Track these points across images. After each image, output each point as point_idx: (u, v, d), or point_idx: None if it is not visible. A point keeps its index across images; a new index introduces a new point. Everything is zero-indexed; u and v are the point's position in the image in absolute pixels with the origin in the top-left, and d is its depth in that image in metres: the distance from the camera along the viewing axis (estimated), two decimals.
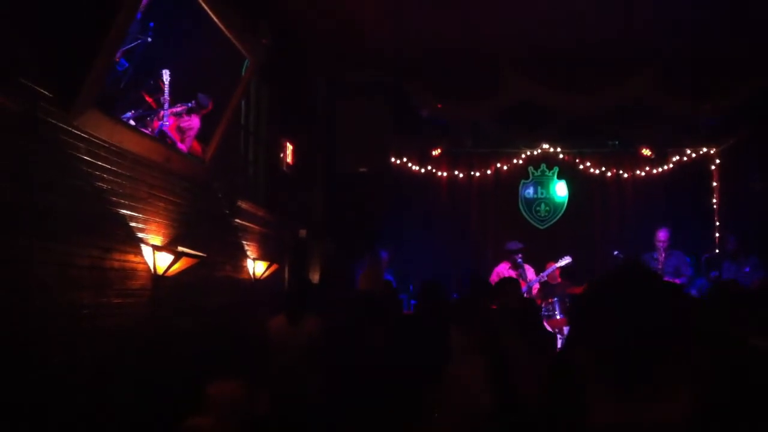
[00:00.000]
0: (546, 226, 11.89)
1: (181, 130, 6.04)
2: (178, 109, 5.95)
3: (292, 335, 5.91)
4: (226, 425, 3.61)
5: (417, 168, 11.81)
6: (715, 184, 11.61)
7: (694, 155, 11.66)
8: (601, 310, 1.51)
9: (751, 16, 7.44)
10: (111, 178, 4.49)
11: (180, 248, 5.11)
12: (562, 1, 7.31)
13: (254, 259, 7.13)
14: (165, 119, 5.69)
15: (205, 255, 5.46)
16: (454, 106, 9.58)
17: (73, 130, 4.06)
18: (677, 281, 8.77)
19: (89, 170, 4.26)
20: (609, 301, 1.50)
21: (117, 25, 4.12)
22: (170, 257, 4.83)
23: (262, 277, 7.14)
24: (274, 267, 7.30)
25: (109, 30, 4.06)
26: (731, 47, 8.31)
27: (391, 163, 11.60)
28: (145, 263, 4.85)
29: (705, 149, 11.57)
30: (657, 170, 11.73)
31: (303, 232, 8.94)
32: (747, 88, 8.92)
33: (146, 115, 5.74)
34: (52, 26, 3.86)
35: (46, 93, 3.82)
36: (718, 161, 11.55)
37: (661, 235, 9.40)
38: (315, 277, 9.29)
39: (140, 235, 4.85)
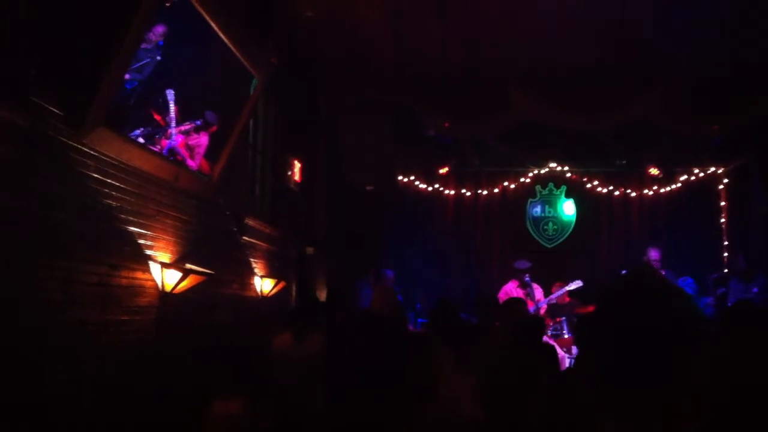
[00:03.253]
0: (554, 245, 11.87)
1: (189, 148, 6.07)
2: (186, 127, 5.98)
3: (297, 352, 5.89)
4: None
5: (424, 186, 11.83)
6: (723, 203, 11.57)
7: (701, 175, 11.63)
8: (607, 326, 1.50)
9: (756, 34, 7.43)
10: (119, 195, 4.51)
11: (188, 265, 5.11)
12: (567, 21, 7.32)
13: (261, 277, 7.13)
14: (173, 137, 5.72)
15: (213, 272, 5.46)
16: (460, 125, 9.59)
17: (82, 148, 4.08)
18: None
19: (98, 187, 4.28)
20: (616, 316, 1.49)
21: (126, 44, 4.16)
22: (178, 274, 4.84)
23: (269, 295, 7.14)
24: (281, 285, 7.30)
25: (119, 49, 4.10)
26: (738, 67, 8.30)
27: (398, 181, 11.63)
28: (153, 280, 4.85)
29: (713, 169, 11.54)
30: (664, 189, 11.72)
31: (310, 250, 8.94)
32: (756, 108, 8.89)
33: (155, 133, 5.78)
34: (62, 44, 3.89)
35: (56, 111, 3.84)
36: (726, 181, 11.52)
37: (653, 254, 9.38)
38: (321, 295, 9.28)
39: (148, 252, 4.86)
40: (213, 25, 5.37)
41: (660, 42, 7.78)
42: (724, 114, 9.15)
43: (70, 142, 3.99)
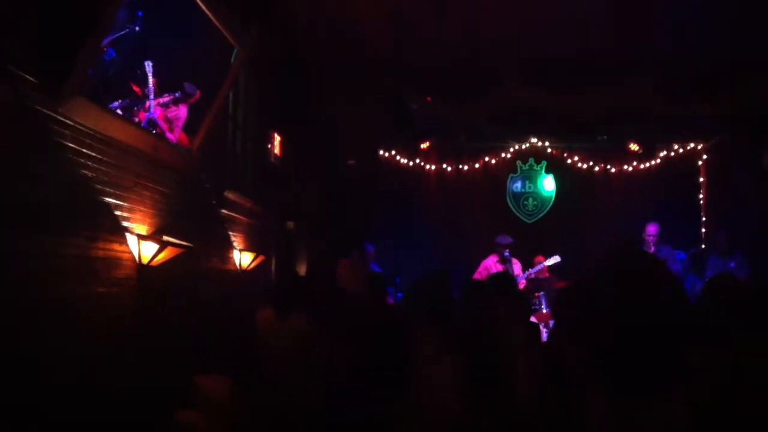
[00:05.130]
0: (533, 220, 11.93)
1: (168, 120, 6.01)
2: (165, 99, 5.93)
3: (280, 329, 5.87)
4: (213, 419, 3.59)
5: (405, 161, 11.82)
6: (702, 179, 11.66)
7: (681, 150, 11.71)
8: (599, 307, 1.46)
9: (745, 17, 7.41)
10: (97, 166, 4.45)
11: (165, 238, 5.07)
12: (558, 7, 7.26)
13: (241, 250, 7.10)
14: (152, 109, 5.66)
15: (191, 245, 5.43)
16: (448, 105, 9.56)
17: (58, 117, 4.01)
18: None
19: (75, 158, 4.21)
20: (606, 298, 1.45)
21: (105, 11, 4.08)
22: (155, 246, 4.80)
23: (248, 269, 7.12)
24: (260, 258, 7.27)
25: (97, 16, 4.02)
26: (730, 49, 8.25)
27: (379, 156, 11.62)
28: (130, 252, 4.81)
29: (692, 145, 11.62)
30: (645, 165, 11.78)
31: (290, 225, 8.91)
32: (748, 90, 8.88)
33: (133, 105, 5.72)
34: (39, 12, 3.81)
35: (32, 80, 3.77)
36: (705, 157, 11.60)
37: (651, 229, 9.41)
38: (302, 270, 9.27)
39: (125, 224, 4.81)
40: None
41: (652, 24, 7.72)
42: (717, 96, 9.16)
43: (46, 111, 3.91)
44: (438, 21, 7.56)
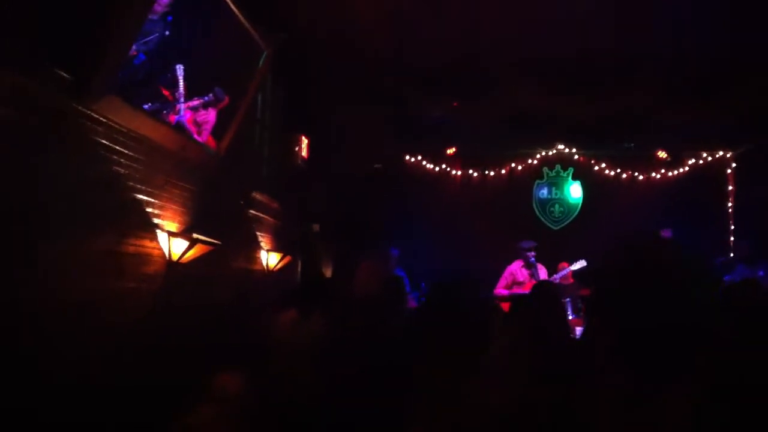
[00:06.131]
0: (560, 227, 11.87)
1: (197, 124, 6.09)
2: (195, 102, 6.00)
3: (299, 331, 5.91)
4: (230, 415, 3.63)
5: (431, 166, 11.84)
6: (730, 188, 11.55)
7: (710, 159, 11.61)
8: (632, 296, 1.50)
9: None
10: (129, 163, 4.54)
11: (195, 235, 5.14)
12: (567, 9, 7.23)
13: (268, 251, 7.17)
14: (182, 113, 5.74)
15: (219, 242, 5.49)
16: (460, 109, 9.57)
17: (92, 114, 4.11)
18: None
19: (108, 155, 4.31)
20: (641, 288, 1.48)
21: (135, 6, 4.16)
22: (185, 243, 4.87)
23: (275, 269, 7.18)
24: (287, 259, 7.34)
25: (128, 12, 4.11)
26: (739, 52, 8.16)
27: (405, 161, 11.65)
28: (160, 249, 4.89)
29: (721, 153, 11.52)
30: (672, 173, 11.69)
31: (316, 227, 8.97)
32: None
33: (163, 108, 5.79)
34: (72, 10, 3.90)
35: (67, 76, 3.86)
36: (734, 165, 11.50)
37: (665, 234, 9.33)
38: (327, 272, 9.32)
39: (156, 221, 4.89)
40: None
41: (661, 27, 7.67)
42: (728, 100, 9.08)
43: (80, 108, 4.01)
44: (444, 22, 7.55)
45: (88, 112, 4.07)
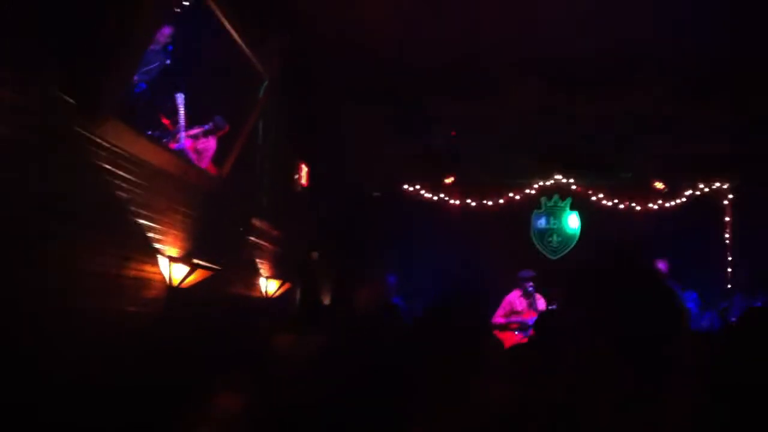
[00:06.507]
0: (558, 256, 11.87)
1: (197, 152, 6.13)
2: (195, 131, 6.04)
3: (297, 350, 5.89)
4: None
5: (429, 195, 11.88)
6: (727, 218, 11.58)
7: (706, 189, 11.65)
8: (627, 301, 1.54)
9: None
10: (130, 187, 4.57)
11: (195, 261, 5.15)
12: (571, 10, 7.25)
13: (267, 278, 7.17)
14: (182, 141, 5.78)
15: (219, 268, 5.50)
16: (464, 107, 9.51)
17: (95, 138, 4.14)
18: None
19: (109, 179, 4.33)
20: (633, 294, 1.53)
21: (139, 31, 4.22)
22: (186, 269, 4.88)
23: (274, 295, 7.18)
24: (286, 286, 7.34)
25: (131, 38, 4.17)
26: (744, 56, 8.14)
27: (404, 190, 11.69)
28: (161, 274, 4.89)
29: (718, 184, 11.57)
30: (670, 203, 11.72)
31: (315, 255, 8.98)
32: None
33: (163, 136, 5.82)
34: (76, 36, 3.95)
35: (70, 101, 3.90)
36: (730, 196, 11.54)
37: (660, 266, 9.36)
38: (326, 299, 9.31)
39: (157, 245, 4.90)
40: (225, 23, 5.43)
41: (665, 29, 7.66)
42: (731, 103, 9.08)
43: (83, 132, 4.05)
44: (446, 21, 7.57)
45: (91, 135, 4.10)
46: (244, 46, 5.85)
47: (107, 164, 4.29)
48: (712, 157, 10.55)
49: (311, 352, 5.65)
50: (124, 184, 4.49)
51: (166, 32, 5.52)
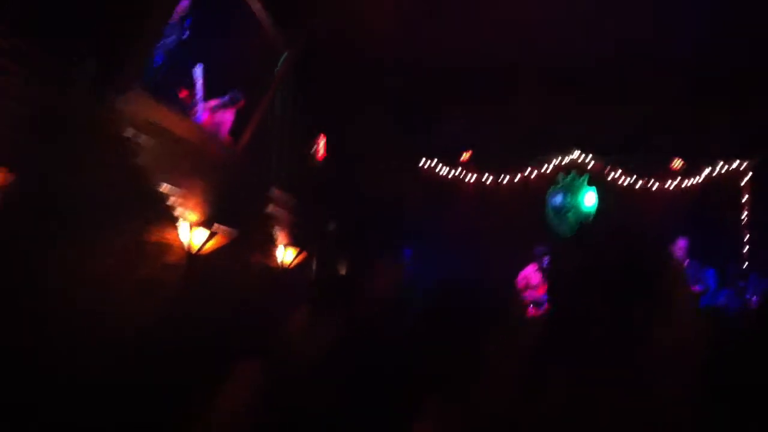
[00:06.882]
0: (573, 233, 11.86)
1: (215, 124, 6.18)
2: (213, 103, 6.09)
3: (314, 327, 5.96)
4: (246, 399, 3.72)
5: (446, 171, 11.89)
6: (745, 198, 11.50)
7: (725, 168, 11.57)
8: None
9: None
10: (152, 155, 4.63)
11: (214, 227, 5.22)
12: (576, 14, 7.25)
13: (285, 246, 7.25)
14: (200, 114, 5.82)
15: (237, 233, 5.56)
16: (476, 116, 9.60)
17: (117, 107, 4.22)
18: (696, 289, 8.84)
19: (131, 147, 4.40)
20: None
21: (162, 5, 4.27)
22: (205, 234, 4.96)
23: (291, 265, 7.26)
24: (303, 255, 7.42)
25: (154, 8, 4.21)
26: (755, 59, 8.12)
27: (421, 166, 11.72)
28: (180, 239, 4.98)
29: (737, 162, 11.49)
30: (687, 182, 11.66)
31: (333, 225, 9.05)
32: None
33: (181, 109, 5.87)
34: (100, 7, 4.00)
35: (94, 71, 3.97)
36: (750, 175, 11.46)
37: (681, 243, 9.35)
38: (341, 271, 9.38)
39: (177, 212, 4.98)
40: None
41: (677, 33, 7.65)
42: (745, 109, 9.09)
43: (107, 101, 4.11)
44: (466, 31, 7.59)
45: (113, 104, 4.17)
46: (262, 18, 5.86)
47: (129, 132, 4.36)
48: (732, 136, 10.50)
49: (330, 334, 5.73)
50: (145, 152, 4.56)
51: (183, 5, 5.54)
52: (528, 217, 11.80)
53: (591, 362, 3.13)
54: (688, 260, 9.20)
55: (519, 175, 11.92)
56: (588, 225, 11.67)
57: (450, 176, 11.93)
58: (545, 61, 8.20)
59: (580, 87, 9.02)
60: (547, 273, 9.26)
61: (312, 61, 7.94)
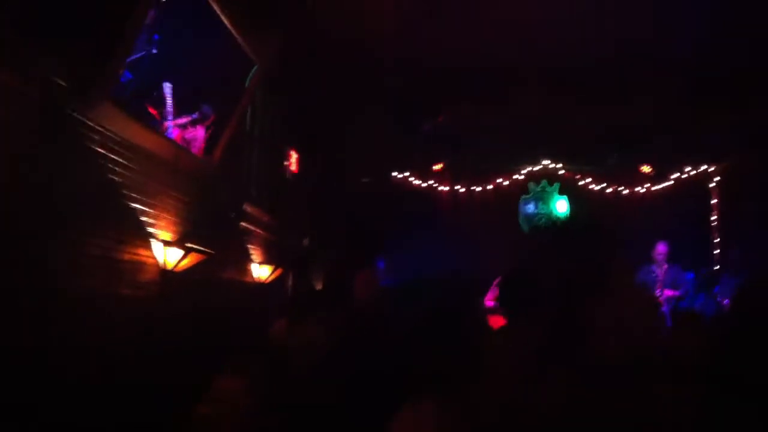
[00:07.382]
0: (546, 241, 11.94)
1: (186, 141, 6.12)
2: (183, 120, 6.03)
3: (293, 337, 5.93)
4: (229, 415, 3.65)
5: (418, 182, 11.92)
6: (714, 201, 11.68)
7: (693, 172, 11.74)
8: None
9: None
10: (124, 171, 4.58)
11: (189, 244, 5.17)
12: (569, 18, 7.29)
13: (260, 263, 7.20)
14: (169, 131, 5.77)
15: (212, 252, 5.52)
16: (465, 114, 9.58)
17: (88, 122, 4.16)
18: (675, 293, 8.94)
19: (103, 162, 4.35)
20: None
21: (133, 18, 4.23)
22: (180, 252, 4.91)
23: (267, 281, 7.21)
24: (278, 272, 7.37)
25: (126, 23, 4.17)
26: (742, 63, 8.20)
27: (392, 177, 11.74)
28: (155, 257, 4.92)
29: (705, 166, 11.66)
30: (657, 187, 11.82)
31: (306, 241, 9.01)
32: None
33: (152, 126, 5.80)
34: (72, 18, 3.95)
35: (63, 84, 3.91)
36: (717, 179, 11.64)
37: (660, 248, 9.45)
38: (318, 285, 9.33)
39: (151, 229, 4.92)
40: (215, 7, 5.42)
41: (650, 38, 7.72)
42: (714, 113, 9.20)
43: (77, 116, 4.06)
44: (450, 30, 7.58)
45: (85, 120, 4.12)
46: (236, 34, 5.84)
47: (100, 148, 4.30)
48: (699, 143, 10.65)
49: (311, 341, 5.69)
50: (117, 168, 4.50)
51: (151, 21, 5.48)
52: (501, 226, 11.89)
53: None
54: (666, 265, 9.31)
55: (491, 185, 12.00)
56: (541, 226, 11.80)
57: (423, 187, 11.99)
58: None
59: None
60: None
61: (286, 73, 7.88)
